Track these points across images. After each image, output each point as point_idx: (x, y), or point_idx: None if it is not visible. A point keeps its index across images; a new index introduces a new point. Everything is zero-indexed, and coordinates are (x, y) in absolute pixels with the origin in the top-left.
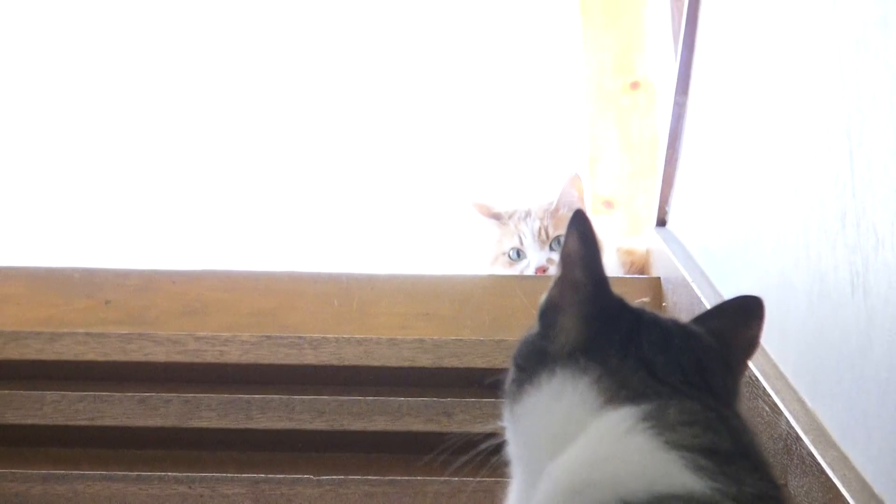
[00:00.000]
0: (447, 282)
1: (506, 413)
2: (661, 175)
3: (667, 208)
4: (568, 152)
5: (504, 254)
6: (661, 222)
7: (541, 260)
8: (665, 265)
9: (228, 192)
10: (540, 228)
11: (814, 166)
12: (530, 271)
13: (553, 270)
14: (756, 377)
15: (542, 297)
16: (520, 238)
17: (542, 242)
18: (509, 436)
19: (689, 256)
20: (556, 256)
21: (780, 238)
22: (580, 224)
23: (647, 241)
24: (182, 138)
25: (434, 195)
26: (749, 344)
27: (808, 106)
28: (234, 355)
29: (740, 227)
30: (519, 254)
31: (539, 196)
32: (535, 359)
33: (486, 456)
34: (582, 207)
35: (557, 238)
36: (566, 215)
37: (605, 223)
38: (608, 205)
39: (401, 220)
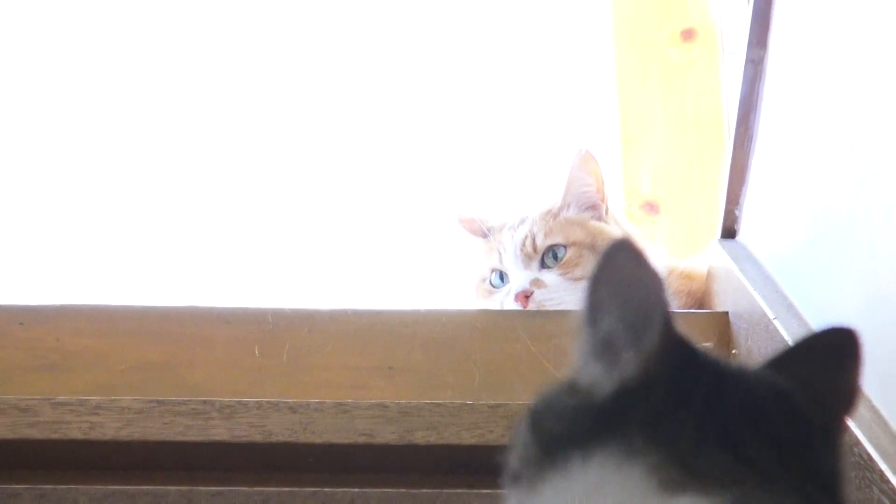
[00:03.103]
0: (420, 320)
1: None
2: (728, 163)
3: (737, 212)
4: (593, 136)
5: (484, 280)
6: (729, 233)
7: (522, 282)
8: (735, 294)
9: (104, 193)
10: (525, 238)
11: None
12: (510, 301)
13: (542, 296)
14: (869, 456)
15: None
16: (499, 254)
17: (528, 257)
18: None
19: (769, 281)
20: (549, 277)
21: None
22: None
23: (708, 259)
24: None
25: (409, 206)
26: (845, 395)
27: None
28: (109, 429)
29: (847, 237)
30: (502, 277)
31: (543, 199)
32: (563, 430)
33: None
34: (601, 201)
35: (552, 249)
36: (573, 218)
37: (646, 233)
38: (651, 208)
39: (358, 238)
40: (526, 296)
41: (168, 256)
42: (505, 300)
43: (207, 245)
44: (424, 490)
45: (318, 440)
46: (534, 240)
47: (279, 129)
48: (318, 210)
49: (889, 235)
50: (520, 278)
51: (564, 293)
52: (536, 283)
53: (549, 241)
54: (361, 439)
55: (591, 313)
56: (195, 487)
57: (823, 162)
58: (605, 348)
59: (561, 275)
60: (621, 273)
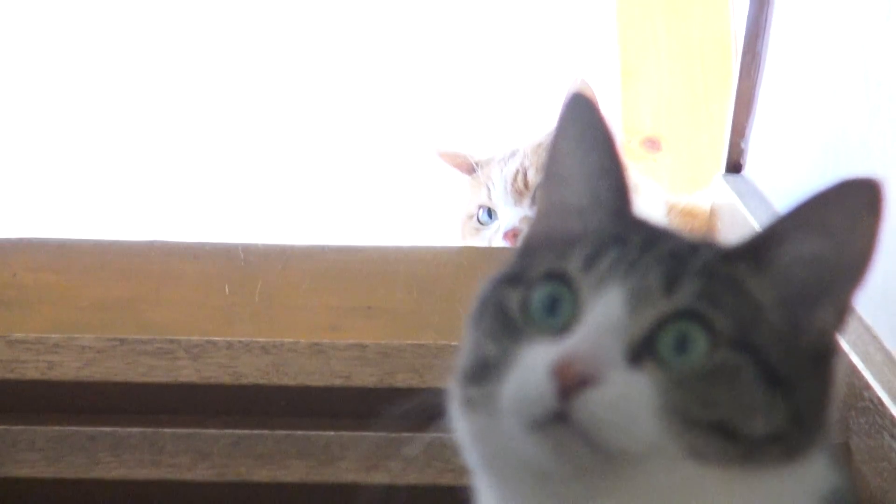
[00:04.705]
0: (401, 257)
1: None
2: (733, 94)
3: (742, 145)
4: (591, 67)
5: (471, 217)
6: (734, 167)
7: (512, 219)
8: (740, 231)
9: (66, 120)
10: (517, 173)
11: None
12: (498, 238)
13: None
14: (880, 400)
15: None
16: (488, 190)
17: (519, 194)
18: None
19: None
20: None
21: None
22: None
23: (711, 195)
24: None
25: (397, 141)
26: (859, 257)
27: None
28: (69, 368)
29: (860, 168)
30: (490, 214)
31: (536, 132)
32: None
33: None
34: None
35: None
36: None
37: (647, 171)
38: (651, 144)
39: (339, 174)
40: (515, 234)
41: (133, 189)
42: (493, 238)
43: (177, 178)
44: (405, 435)
45: (291, 382)
46: (525, 175)
47: (257, 58)
48: (296, 143)
49: None
50: (509, 215)
51: None
52: (527, 220)
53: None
54: (338, 382)
55: (551, 167)
56: (160, 430)
57: (835, 90)
58: (563, 200)
59: None
60: (580, 123)
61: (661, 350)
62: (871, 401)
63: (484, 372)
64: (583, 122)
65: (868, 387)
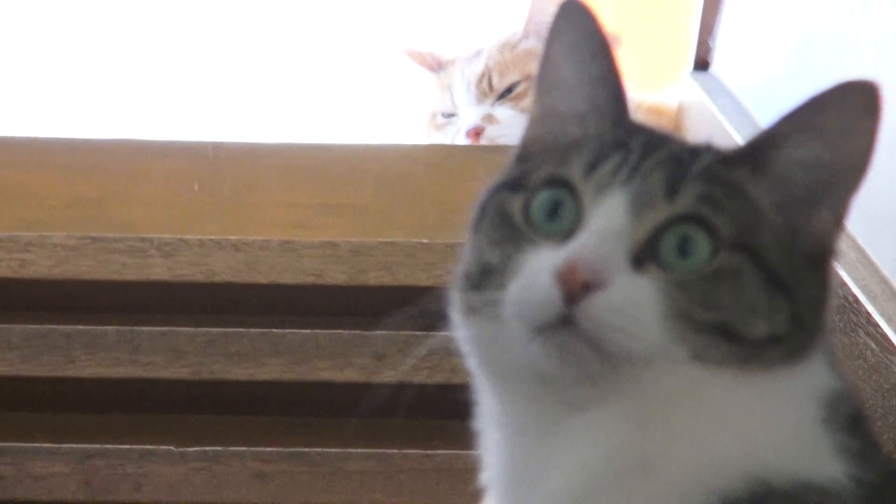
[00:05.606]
0: (370, 155)
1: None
2: None
3: (710, 42)
4: None
5: (434, 115)
6: (702, 64)
7: (474, 118)
8: (708, 129)
9: (35, 16)
10: (483, 74)
11: None
12: (461, 137)
13: (494, 133)
14: (855, 298)
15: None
16: (451, 88)
17: (483, 94)
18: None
19: (745, 115)
20: (502, 111)
21: None
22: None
23: (678, 93)
24: None
25: (363, 39)
26: (856, 160)
27: None
28: (41, 266)
29: (832, 67)
30: (454, 112)
31: (502, 30)
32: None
33: (437, 418)
34: None
35: (511, 88)
36: (533, 49)
37: None
38: (611, 41)
39: (305, 70)
40: (477, 132)
41: (102, 87)
42: (456, 136)
43: (145, 76)
44: (379, 333)
45: (263, 280)
46: (489, 77)
47: None
48: (265, 41)
49: (879, 65)
50: (471, 114)
51: (518, 128)
52: (489, 118)
53: (509, 79)
54: (310, 279)
55: (546, 73)
56: (136, 328)
57: None
58: (561, 107)
59: (513, 107)
60: (575, 31)
61: (664, 254)
62: (847, 299)
63: (486, 278)
64: (579, 28)
65: (843, 284)
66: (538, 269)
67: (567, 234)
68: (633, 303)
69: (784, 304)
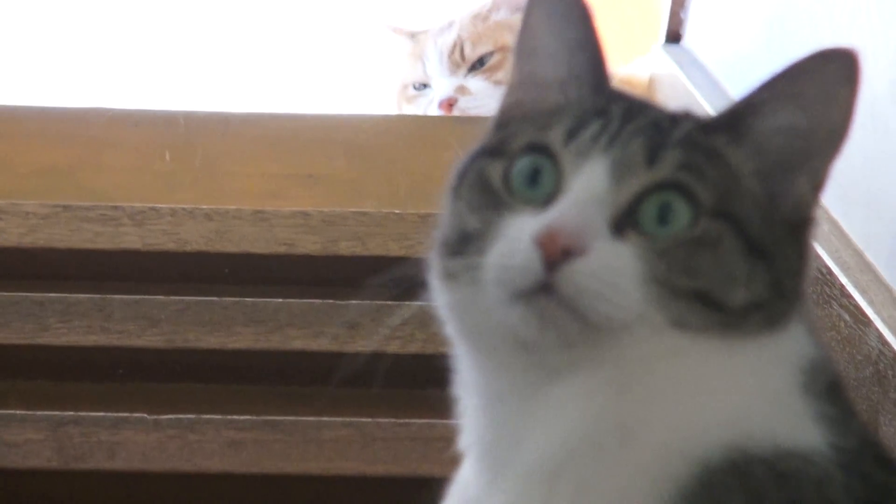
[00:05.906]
0: (341, 125)
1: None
2: None
3: (682, 14)
4: None
5: (406, 86)
6: (674, 37)
7: (446, 89)
8: (680, 102)
9: None
10: (455, 45)
11: None
12: (433, 109)
13: (467, 104)
14: (829, 270)
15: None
16: (423, 59)
17: (455, 65)
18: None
19: (718, 88)
20: (474, 83)
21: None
22: None
23: (649, 65)
24: None
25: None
26: (835, 129)
27: None
28: (12, 234)
29: (806, 39)
30: (426, 83)
31: (473, 3)
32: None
33: (412, 387)
34: None
35: (482, 59)
36: (504, 21)
37: None
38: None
39: (277, 39)
40: (450, 104)
41: (73, 55)
42: (428, 107)
43: (116, 44)
44: (352, 302)
45: (235, 249)
46: (461, 48)
47: None
48: (237, 9)
49: (852, 36)
50: (444, 85)
51: (490, 100)
52: (461, 90)
53: (482, 50)
54: (282, 249)
55: (525, 40)
56: (109, 296)
57: None
58: (539, 73)
59: (486, 79)
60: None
61: (644, 221)
62: (820, 270)
63: (465, 244)
64: None
65: (817, 256)
66: (518, 235)
67: (547, 200)
68: (613, 269)
69: (763, 272)
